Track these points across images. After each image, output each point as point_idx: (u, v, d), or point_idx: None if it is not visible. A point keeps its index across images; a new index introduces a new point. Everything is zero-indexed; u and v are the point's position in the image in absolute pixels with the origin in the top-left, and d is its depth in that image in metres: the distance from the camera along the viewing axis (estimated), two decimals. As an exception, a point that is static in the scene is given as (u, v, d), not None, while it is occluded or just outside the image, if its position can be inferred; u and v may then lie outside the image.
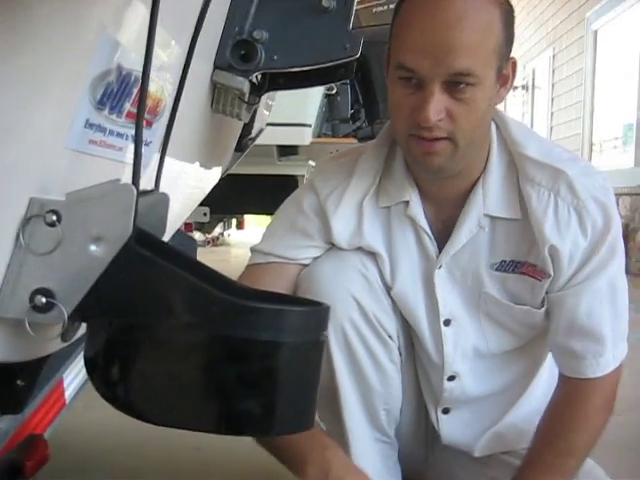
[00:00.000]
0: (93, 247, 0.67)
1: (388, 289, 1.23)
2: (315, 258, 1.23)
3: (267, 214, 4.61)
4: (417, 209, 1.19)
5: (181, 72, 0.87)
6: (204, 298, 0.67)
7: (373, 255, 1.22)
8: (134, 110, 0.75)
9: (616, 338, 1.17)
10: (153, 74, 0.73)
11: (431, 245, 1.20)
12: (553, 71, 8.82)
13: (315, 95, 3.55)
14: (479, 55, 1.01)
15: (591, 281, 1.14)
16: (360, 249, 1.21)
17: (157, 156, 0.88)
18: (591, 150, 7.60)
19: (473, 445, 1.31)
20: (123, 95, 0.74)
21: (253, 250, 1.26)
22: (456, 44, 0.99)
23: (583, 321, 1.15)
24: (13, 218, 0.65)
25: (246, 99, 1.06)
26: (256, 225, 8.88)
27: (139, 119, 0.70)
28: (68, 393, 1.22)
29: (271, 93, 1.76)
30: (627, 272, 1.19)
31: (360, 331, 1.20)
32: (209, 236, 7.75)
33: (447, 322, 1.23)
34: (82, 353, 0.73)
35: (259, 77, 1.10)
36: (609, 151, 7.22)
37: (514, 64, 1.11)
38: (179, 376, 0.69)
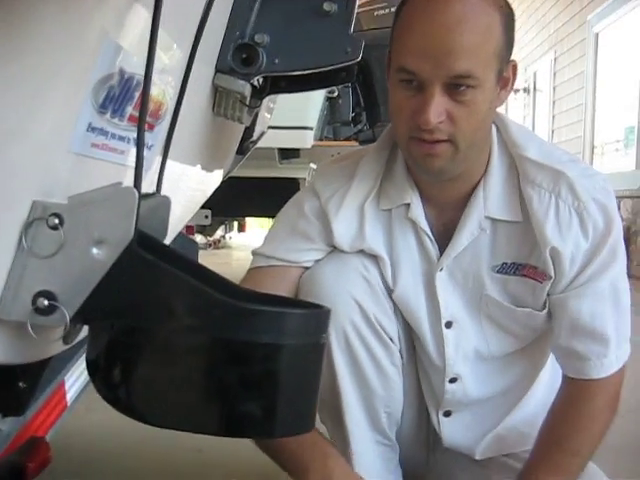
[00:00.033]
0: (95, 250, 0.67)
1: (389, 292, 1.23)
2: (317, 261, 1.23)
3: (269, 217, 4.62)
4: (418, 212, 1.19)
5: (183, 76, 0.88)
6: (205, 301, 0.67)
7: (375, 258, 1.22)
8: (136, 113, 0.75)
9: (619, 339, 1.17)
10: (155, 78, 0.73)
11: (432, 247, 1.20)
12: (554, 74, 8.82)
13: (316, 98, 3.55)
14: (479, 57, 1.02)
15: (593, 283, 1.14)
16: (362, 252, 1.22)
17: (159, 159, 0.88)
18: (592, 153, 7.60)
19: (474, 448, 1.31)
20: (125, 99, 0.74)
21: (255, 253, 1.26)
22: (456, 47, 1.00)
23: (586, 323, 1.15)
24: (16, 221, 0.66)
25: (247, 102, 1.06)
26: (258, 228, 8.89)
27: (141, 122, 0.71)
28: (70, 395, 1.22)
29: (272, 96, 1.76)
30: (629, 275, 1.19)
31: (361, 334, 1.20)
32: (211, 239, 7.76)
33: (448, 324, 1.23)
34: (83, 356, 0.74)
35: (260, 80, 1.10)
36: (610, 154, 7.22)
37: (514, 67, 1.11)
38: (180, 378, 0.69)
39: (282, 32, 1.00)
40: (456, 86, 1.02)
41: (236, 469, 1.78)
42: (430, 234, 1.20)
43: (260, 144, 2.06)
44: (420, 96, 1.03)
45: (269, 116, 2.23)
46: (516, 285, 1.19)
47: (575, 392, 1.20)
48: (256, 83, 1.08)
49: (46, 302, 0.67)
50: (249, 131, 1.62)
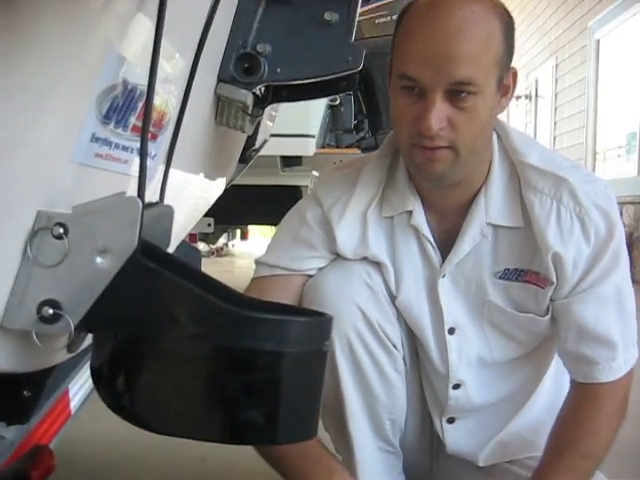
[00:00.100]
0: (99, 259, 0.68)
1: (393, 299, 1.23)
2: (320, 268, 1.24)
3: (271, 224, 4.62)
4: (420, 219, 1.19)
5: (185, 85, 0.88)
6: (208, 309, 0.68)
7: (378, 265, 1.22)
8: (139, 123, 0.76)
9: (626, 343, 1.17)
10: (158, 88, 0.74)
11: (435, 254, 1.21)
12: (556, 80, 8.83)
13: (318, 106, 3.56)
14: (480, 64, 1.02)
15: (597, 288, 1.14)
16: (365, 259, 1.22)
17: (162, 168, 0.89)
18: (594, 159, 7.60)
19: (477, 454, 1.31)
20: (129, 109, 0.75)
21: (258, 262, 1.27)
22: (457, 54, 1.01)
23: (591, 328, 1.15)
24: (21, 231, 0.66)
25: (249, 111, 1.07)
26: (260, 235, 8.89)
27: (144, 132, 0.71)
28: (74, 404, 1.22)
29: (275, 105, 1.77)
30: (632, 281, 1.19)
31: (365, 341, 1.20)
32: (213, 247, 7.75)
33: (451, 330, 1.23)
34: (87, 364, 0.74)
35: (262, 89, 1.11)
36: (612, 160, 7.21)
37: (515, 74, 1.12)
38: (184, 386, 0.70)
39: (284, 41, 1.01)
40: (457, 93, 1.02)
41: (239, 477, 1.77)
42: (432, 241, 1.20)
43: (262, 152, 2.07)
44: (421, 103, 1.03)
45: (271, 124, 2.23)
46: (518, 291, 1.19)
47: (584, 396, 1.19)
48: (258, 92, 1.09)
49: (51, 311, 0.68)
50: (251, 139, 1.63)
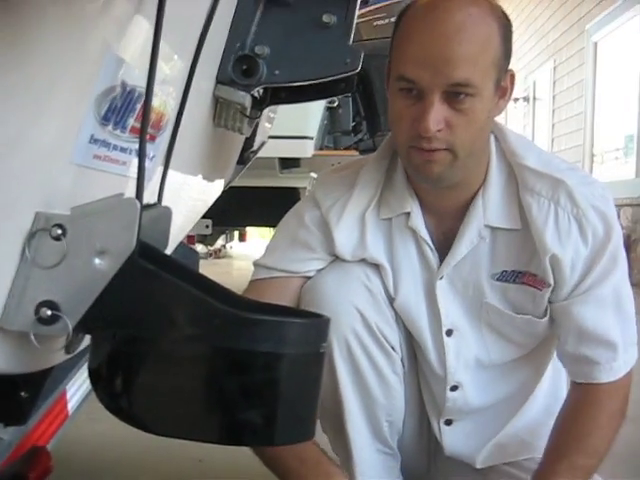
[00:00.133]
0: (97, 260, 0.68)
1: (391, 300, 1.23)
2: (318, 270, 1.24)
3: (269, 226, 4.62)
4: (418, 220, 1.20)
5: (184, 87, 0.89)
6: (206, 310, 0.68)
7: (376, 267, 1.22)
8: (138, 125, 0.76)
9: (626, 343, 1.17)
10: (156, 89, 0.74)
11: (432, 256, 1.21)
12: (554, 83, 8.84)
13: (317, 108, 3.56)
14: (477, 66, 1.03)
15: (595, 290, 1.15)
16: (363, 261, 1.22)
17: (160, 170, 0.89)
18: (592, 161, 7.61)
19: (475, 456, 1.31)
20: (127, 110, 0.75)
21: (256, 265, 1.27)
22: (455, 56, 1.01)
23: (591, 329, 1.15)
24: (19, 232, 0.66)
25: (248, 113, 1.07)
26: (258, 237, 8.90)
27: (143, 134, 0.71)
28: (71, 405, 1.22)
29: (273, 106, 1.77)
30: (630, 283, 1.20)
31: (363, 343, 1.20)
32: (211, 248, 7.76)
33: (449, 332, 1.23)
34: (85, 365, 0.74)
35: (261, 91, 1.11)
36: (610, 162, 7.23)
37: (512, 76, 1.12)
38: (182, 387, 0.70)
39: (282, 44, 1.01)
40: (455, 94, 1.03)
41: (237, 479, 1.77)
42: (430, 243, 1.21)
43: (261, 154, 2.07)
44: (420, 104, 1.04)
45: (269, 126, 2.24)
46: (516, 293, 1.19)
47: (585, 397, 1.19)
48: (256, 94, 1.09)
49: (49, 312, 0.68)
50: (249, 141, 1.63)
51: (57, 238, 0.67)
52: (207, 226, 3.83)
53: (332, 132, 4.06)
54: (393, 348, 1.24)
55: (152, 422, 0.71)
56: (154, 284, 0.69)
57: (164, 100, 0.85)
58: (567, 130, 8.30)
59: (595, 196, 1.14)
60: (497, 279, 1.19)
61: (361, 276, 1.21)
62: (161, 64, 0.77)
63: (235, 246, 8.85)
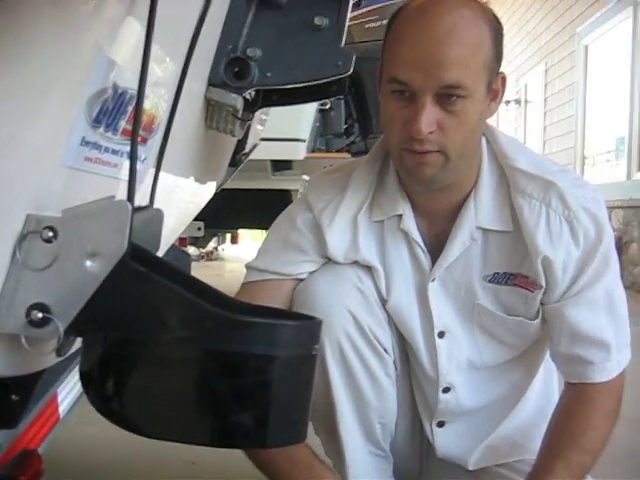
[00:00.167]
0: (89, 263, 0.68)
1: (383, 302, 1.23)
2: (311, 272, 1.24)
3: (261, 229, 4.62)
4: (410, 223, 1.20)
5: (175, 89, 0.89)
6: (198, 312, 0.68)
7: (369, 269, 1.22)
8: (129, 127, 0.76)
9: (619, 344, 1.18)
10: (148, 91, 0.74)
11: (424, 258, 1.21)
12: (545, 85, 8.88)
13: (309, 110, 3.56)
14: (469, 68, 1.03)
15: (588, 292, 1.15)
16: (356, 263, 1.22)
17: (152, 172, 0.89)
18: (584, 164, 7.64)
19: (467, 458, 1.31)
20: (118, 113, 0.75)
21: (248, 267, 1.27)
22: (446, 58, 1.01)
23: (584, 331, 1.16)
24: (10, 234, 0.66)
25: (239, 115, 1.07)
26: (250, 240, 8.89)
27: (134, 136, 0.71)
28: (62, 408, 1.22)
29: (265, 109, 1.78)
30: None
31: (356, 345, 1.20)
32: (203, 251, 7.75)
33: (441, 334, 1.23)
34: (76, 368, 0.74)
35: (252, 94, 1.11)
36: (602, 164, 7.26)
37: (503, 79, 1.13)
38: (174, 390, 0.70)
39: (274, 46, 1.01)
40: (447, 96, 1.03)
41: (229, 481, 1.77)
42: (422, 245, 1.21)
43: (253, 156, 2.07)
44: (412, 107, 1.04)
45: (261, 128, 2.24)
46: (508, 295, 1.19)
47: (580, 396, 1.19)
48: (248, 96, 1.09)
49: (40, 314, 0.67)
50: (241, 143, 1.63)
51: (48, 240, 0.67)
52: (199, 228, 3.83)
53: (324, 134, 4.07)
54: (386, 350, 1.24)
55: (144, 425, 0.71)
56: (146, 286, 0.69)
57: (156, 102, 0.85)
58: (559, 132, 8.33)
59: (586, 198, 1.15)
60: (489, 281, 1.20)
61: (353, 278, 1.21)
62: (153, 66, 0.77)
63: (227, 248, 8.83)
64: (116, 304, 0.68)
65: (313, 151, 3.86)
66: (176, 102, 0.88)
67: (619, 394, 1.20)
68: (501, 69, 1.11)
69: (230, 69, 1.02)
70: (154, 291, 0.69)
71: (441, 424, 1.31)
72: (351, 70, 1.04)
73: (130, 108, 0.76)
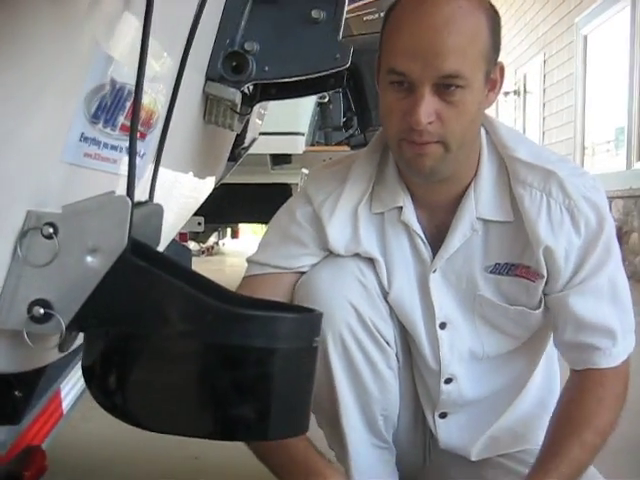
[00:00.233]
0: (89, 258, 0.68)
1: (385, 295, 1.23)
2: (312, 265, 1.24)
3: (261, 223, 4.62)
4: (410, 214, 1.20)
5: (174, 84, 0.89)
6: (199, 307, 0.68)
7: (370, 261, 1.22)
8: (128, 123, 0.76)
9: (624, 330, 1.18)
10: (146, 87, 0.74)
11: (425, 250, 1.21)
12: (544, 76, 8.85)
13: (307, 104, 3.56)
14: (467, 58, 1.03)
15: (591, 280, 1.15)
16: (357, 255, 1.22)
17: (151, 167, 0.89)
18: (583, 154, 7.63)
19: (470, 449, 1.32)
20: (117, 108, 0.75)
21: (249, 261, 1.27)
22: (444, 48, 1.01)
23: (588, 319, 1.16)
24: (11, 231, 0.66)
25: (238, 110, 1.07)
26: (251, 234, 8.90)
27: (133, 132, 0.71)
28: (65, 403, 1.22)
29: (263, 103, 1.77)
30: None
31: (358, 338, 1.20)
32: (204, 245, 7.75)
33: (443, 325, 1.24)
34: (79, 364, 0.74)
35: (251, 88, 1.11)
36: (601, 154, 7.25)
37: (502, 69, 1.13)
38: (175, 383, 0.70)
39: (272, 40, 1.01)
40: (445, 86, 1.03)
41: (232, 476, 1.78)
42: (423, 236, 1.21)
43: (252, 150, 2.07)
44: (410, 97, 1.04)
45: (260, 122, 2.24)
46: (509, 285, 1.20)
47: (588, 381, 1.18)
48: (246, 90, 1.09)
49: (42, 310, 0.68)
50: (240, 138, 1.63)
51: (49, 236, 0.67)
52: (199, 223, 3.83)
53: (323, 128, 4.06)
54: (387, 343, 1.24)
55: (146, 419, 0.71)
56: (146, 281, 0.69)
57: (154, 97, 0.85)
58: (558, 123, 8.31)
59: (586, 187, 1.15)
60: (490, 272, 1.20)
61: (355, 271, 1.22)
62: (150, 61, 0.77)
63: (227, 243, 8.84)
64: (117, 299, 0.69)
65: (312, 144, 3.86)
66: (174, 97, 0.88)
67: (626, 380, 1.20)
68: (499, 60, 1.11)
69: (228, 63, 1.02)
70: (155, 286, 0.69)
71: (443, 415, 1.31)
72: (349, 63, 1.04)
73: (128, 103, 0.76)
